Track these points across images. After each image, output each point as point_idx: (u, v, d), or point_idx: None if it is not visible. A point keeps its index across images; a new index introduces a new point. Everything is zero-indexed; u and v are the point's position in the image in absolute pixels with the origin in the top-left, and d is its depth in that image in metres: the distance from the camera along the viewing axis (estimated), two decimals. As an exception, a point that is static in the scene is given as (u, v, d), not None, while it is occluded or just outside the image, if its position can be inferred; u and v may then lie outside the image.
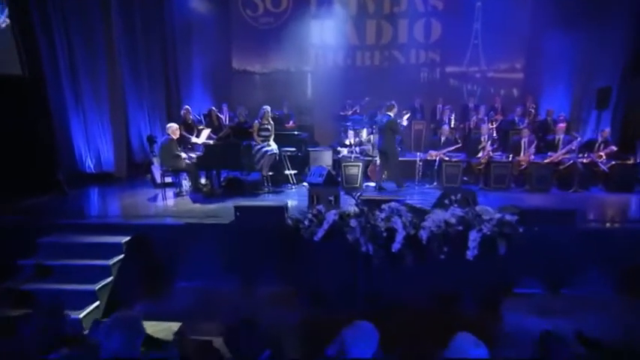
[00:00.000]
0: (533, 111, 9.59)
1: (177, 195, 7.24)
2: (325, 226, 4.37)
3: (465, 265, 4.50)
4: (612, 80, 9.70)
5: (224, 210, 5.88)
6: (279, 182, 7.91)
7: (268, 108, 7.41)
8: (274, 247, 4.98)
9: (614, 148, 7.97)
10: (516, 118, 9.60)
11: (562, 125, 8.26)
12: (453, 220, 4.44)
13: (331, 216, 4.42)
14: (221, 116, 8.95)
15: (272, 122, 7.48)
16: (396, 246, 4.25)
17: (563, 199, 7.06)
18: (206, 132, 7.39)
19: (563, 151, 8.03)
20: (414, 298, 4.64)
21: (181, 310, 4.87)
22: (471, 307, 4.73)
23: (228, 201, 6.52)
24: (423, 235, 4.41)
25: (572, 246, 4.97)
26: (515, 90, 11.55)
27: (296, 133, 8.50)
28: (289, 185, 7.80)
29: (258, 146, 7.31)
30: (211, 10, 11.51)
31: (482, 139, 8.20)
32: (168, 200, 6.77)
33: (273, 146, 7.34)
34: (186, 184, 7.75)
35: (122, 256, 4.84)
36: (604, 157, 7.96)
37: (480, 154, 8.13)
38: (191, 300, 5.05)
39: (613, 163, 7.73)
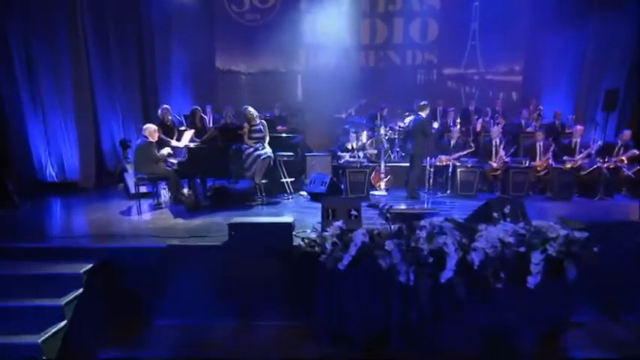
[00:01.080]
0: (541, 113, 8.81)
1: (154, 207, 6.00)
2: (353, 250, 3.28)
3: (522, 294, 3.52)
4: (617, 81, 9.10)
5: (213, 226, 4.71)
6: (272, 192, 6.76)
7: (247, 108, 6.27)
8: (280, 275, 3.86)
9: (636, 152, 7.22)
10: (523, 121, 8.81)
11: (580, 127, 7.48)
12: (510, 240, 3.43)
13: (359, 237, 3.33)
14: (205, 117, 7.74)
15: (265, 122, 6.36)
16: (447, 274, 3.21)
17: (594, 208, 6.21)
18: (189, 133, 6.18)
19: (583, 155, 7.24)
20: (460, 334, 3.61)
21: (160, 358, 3.67)
22: (528, 343, 3.73)
23: (217, 215, 5.35)
24: (475, 258, 3.38)
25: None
26: (514, 93, 10.82)
27: (288, 135, 7.35)
28: (285, 195, 6.66)
29: (250, 149, 6.16)
30: (193, 5, 10.31)
31: (494, 142, 7.33)
32: (143, 214, 5.52)
33: (267, 150, 6.21)
34: (165, 194, 6.53)
35: (80, 290, 3.59)
36: (625, 161, 7.20)
37: (493, 160, 7.25)
38: (174, 343, 3.84)
39: (639, 168, 6.96)
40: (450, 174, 6.84)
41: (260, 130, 6.23)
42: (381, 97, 9.68)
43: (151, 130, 5.98)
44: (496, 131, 7.34)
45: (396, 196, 6.84)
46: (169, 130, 6.94)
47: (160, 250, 4.02)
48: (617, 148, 7.40)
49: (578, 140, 7.41)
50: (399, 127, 8.15)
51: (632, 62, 8.97)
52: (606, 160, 7.19)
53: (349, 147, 7.26)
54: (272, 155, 6.22)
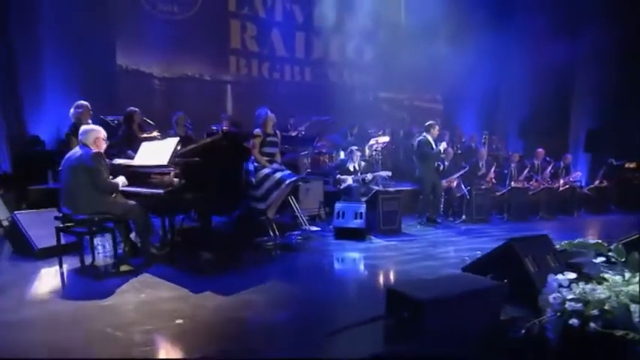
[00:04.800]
0: (487, 137, 8.86)
1: (92, 272, 3.18)
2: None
3: None
4: (523, 110, 10.06)
5: (309, 313, 2.51)
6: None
7: (268, 111, 4.24)
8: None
9: (580, 173, 7.69)
10: (473, 145, 8.68)
11: (541, 150, 7.58)
12: None
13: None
14: (151, 123, 4.92)
15: (279, 134, 4.29)
16: None
17: (600, 226, 6.05)
18: (172, 142, 3.51)
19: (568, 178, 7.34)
20: None
21: None
22: None
23: (252, 278, 3.03)
24: None
25: None
26: (438, 120, 10.89)
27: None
28: (298, 233, 4.55)
29: (267, 170, 3.99)
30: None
31: (481, 164, 6.80)
32: (93, 295, 2.68)
33: (288, 171, 4.12)
34: (107, 246, 3.69)
35: None
36: (571, 181, 7.57)
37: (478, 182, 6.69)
38: None
39: (592, 186, 7.38)
40: (466, 198, 5.87)
41: (276, 144, 4.13)
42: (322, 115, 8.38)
43: (100, 135, 3.26)
44: (483, 153, 6.82)
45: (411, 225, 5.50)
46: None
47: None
48: (560, 170, 7.75)
49: (540, 162, 7.49)
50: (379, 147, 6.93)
51: (532, 94, 9.96)
52: (561, 180, 7.42)
53: (351, 168, 5.60)
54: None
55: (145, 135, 4.02)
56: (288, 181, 3.97)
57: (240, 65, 8.98)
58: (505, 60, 10.15)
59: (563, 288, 2.28)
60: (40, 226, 3.73)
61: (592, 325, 2.01)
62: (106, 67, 7.65)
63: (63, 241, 3.32)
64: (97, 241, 3.48)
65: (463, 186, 5.96)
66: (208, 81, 8.63)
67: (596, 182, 7.77)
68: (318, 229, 4.83)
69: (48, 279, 3.04)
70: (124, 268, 3.24)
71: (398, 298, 2.08)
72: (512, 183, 6.83)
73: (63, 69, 7.06)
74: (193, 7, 8.51)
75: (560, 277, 2.34)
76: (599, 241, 2.59)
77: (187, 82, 8.39)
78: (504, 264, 2.56)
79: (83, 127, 3.29)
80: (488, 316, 2.20)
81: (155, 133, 4.07)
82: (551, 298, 2.18)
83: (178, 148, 3.44)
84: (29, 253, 3.55)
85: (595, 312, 2.03)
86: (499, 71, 10.24)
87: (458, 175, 6.24)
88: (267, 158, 4.09)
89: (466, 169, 6.49)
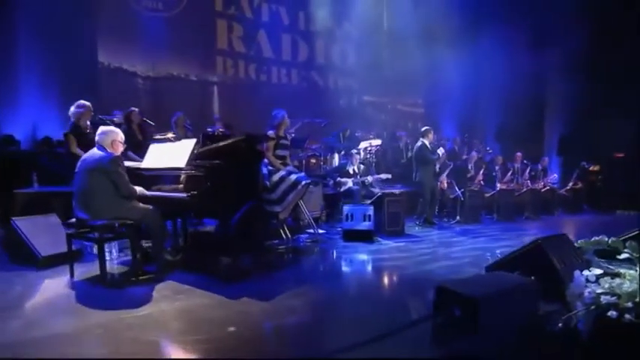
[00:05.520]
0: (466, 141, 9.21)
1: (109, 280, 3.06)
2: None
3: None
4: (500, 115, 10.50)
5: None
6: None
7: (284, 113, 4.23)
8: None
9: (555, 175, 8.15)
10: (456, 147, 8.98)
11: (519, 154, 7.97)
12: None
13: None
14: (151, 123, 4.74)
15: (288, 136, 4.29)
16: None
17: (585, 225, 6.37)
18: (189, 144, 3.40)
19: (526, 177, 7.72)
20: None
21: None
22: None
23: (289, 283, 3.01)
24: None
25: None
26: (419, 123, 11.21)
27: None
28: (308, 236, 4.55)
29: (282, 173, 3.96)
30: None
31: (470, 166, 7.06)
32: (122, 305, 2.55)
33: (301, 172, 4.12)
34: (112, 252, 3.57)
35: None
36: (550, 182, 8.02)
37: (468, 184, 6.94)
38: None
39: (567, 188, 7.83)
40: (460, 199, 6.07)
41: (287, 146, 4.12)
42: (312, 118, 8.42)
43: (116, 137, 3.13)
44: (474, 157, 7.09)
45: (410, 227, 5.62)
46: (87, 142, 3.99)
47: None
48: (539, 172, 8.18)
49: (519, 165, 7.86)
50: (373, 150, 7.05)
51: (502, 97, 10.41)
52: (542, 182, 7.84)
53: (351, 171, 5.65)
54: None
55: (158, 136, 3.89)
56: (304, 182, 3.96)
57: (227, 66, 8.85)
58: (483, 67, 10.55)
59: (591, 283, 2.43)
60: (41, 233, 3.52)
61: (627, 316, 2.16)
62: (88, 65, 7.33)
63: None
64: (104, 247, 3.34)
65: (456, 188, 6.17)
66: (194, 81, 8.45)
67: (571, 184, 8.28)
68: (324, 231, 4.85)
69: (62, 289, 2.86)
70: (141, 275, 3.11)
71: (449, 295, 2.14)
72: (498, 185, 7.17)
73: (41, 65, 6.73)
74: (179, 4, 8.31)
75: (587, 272, 2.49)
76: (615, 238, 2.78)
77: (173, 82, 8.17)
78: (533, 262, 2.70)
79: (102, 128, 3.14)
80: (529, 311, 2.31)
81: (170, 135, 3.95)
82: (586, 292, 2.32)
83: (195, 150, 3.37)
84: (30, 262, 3.33)
85: (629, 304, 2.18)
86: (477, 77, 10.61)
87: (446, 173, 6.43)
88: (281, 161, 4.06)
89: (451, 166, 6.66)
